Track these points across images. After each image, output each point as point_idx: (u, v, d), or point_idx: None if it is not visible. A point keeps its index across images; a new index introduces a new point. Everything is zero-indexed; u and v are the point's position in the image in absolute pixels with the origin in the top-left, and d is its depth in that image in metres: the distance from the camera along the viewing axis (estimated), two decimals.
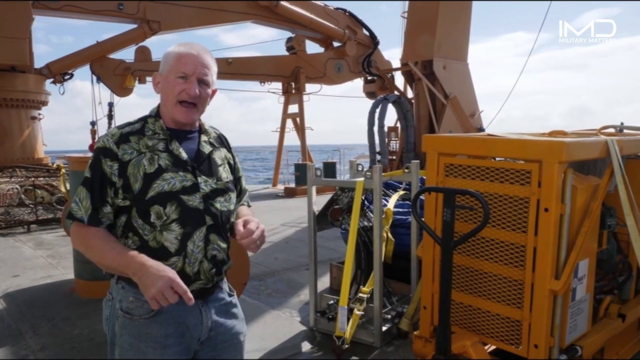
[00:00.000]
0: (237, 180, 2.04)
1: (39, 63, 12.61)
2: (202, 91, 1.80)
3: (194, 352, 1.84)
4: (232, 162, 2.01)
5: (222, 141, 2.01)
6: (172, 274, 1.59)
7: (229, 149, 2.03)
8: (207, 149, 1.89)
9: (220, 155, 1.94)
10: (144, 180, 1.73)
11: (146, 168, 1.73)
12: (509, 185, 2.56)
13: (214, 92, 1.90)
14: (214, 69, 1.86)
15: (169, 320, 1.75)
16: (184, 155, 1.81)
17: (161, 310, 1.72)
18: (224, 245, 1.86)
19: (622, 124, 3.60)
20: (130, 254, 1.64)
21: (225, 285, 1.97)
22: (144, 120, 1.85)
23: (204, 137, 1.91)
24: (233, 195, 1.94)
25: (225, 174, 1.92)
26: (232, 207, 1.92)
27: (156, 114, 1.85)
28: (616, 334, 3.01)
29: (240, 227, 1.78)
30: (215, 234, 1.82)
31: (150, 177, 1.73)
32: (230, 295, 1.96)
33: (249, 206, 2.16)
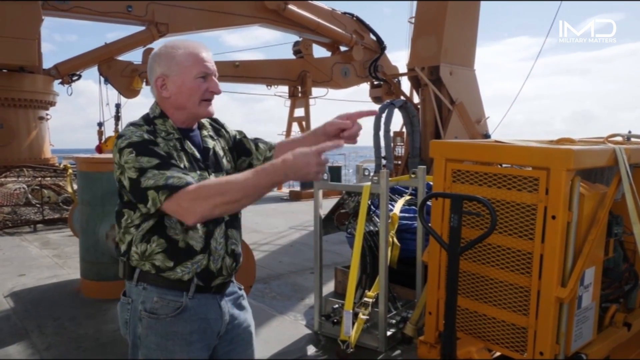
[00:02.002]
0: (242, 139, 2.04)
1: (43, 62, 12.69)
2: None
3: (213, 347, 1.86)
4: (230, 140, 2.00)
5: (217, 127, 2.00)
6: (308, 149, 1.54)
7: (225, 129, 2.02)
8: (210, 143, 1.90)
9: (220, 145, 1.95)
10: None
11: None
12: (516, 192, 2.57)
13: None
14: None
15: (193, 316, 1.77)
16: (197, 153, 1.81)
17: (186, 306, 1.75)
18: (239, 238, 1.91)
19: (629, 132, 3.60)
20: (267, 165, 1.58)
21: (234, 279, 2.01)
22: (151, 123, 1.78)
23: (204, 132, 1.91)
24: None
25: (228, 164, 1.94)
26: None
27: (161, 115, 1.80)
28: (621, 342, 3.00)
29: (342, 122, 1.85)
30: (232, 228, 1.86)
31: None
32: (239, 288, 2.01)
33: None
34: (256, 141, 2.08)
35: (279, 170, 1.55)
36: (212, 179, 1.70)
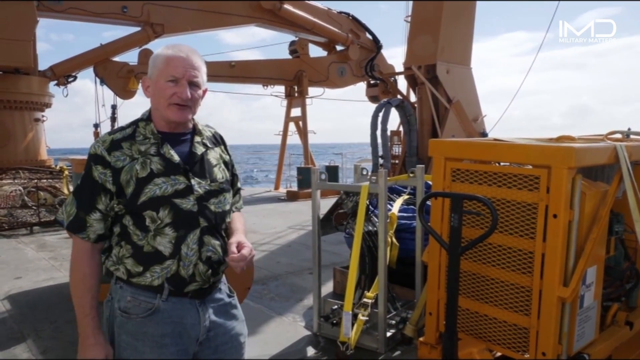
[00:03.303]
0: (232, 178, 2.04)
1: (39, 61, 12.63)
2: (193, 93, 1.82)
3: (194, 353, 1.84)
4: (227, 160, 2.01)
5: (217, 140, 2.01)
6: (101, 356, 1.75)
7: (224, 147, 2.03)
8: (200, 150, 1.89)
9: (215, 155, 1.94)
10: (137, 184, 1.73)
11: (138, 172, 1.74)
12: (516, 190, 2.54)
13: (204, 91, 1.91)
14: (203, 69, 1.87)
15: (166, 319, 1.77)
16: (176, 158, 1.81)
17: (158, 309, 1.76)
18: (219, 246, 1.87)
19: (629, 129, 3.58)
20: (89, 317, 1.76)
21: (225, 286, 1.98)
22: (135, 124, 1.84)
23: (197, 138, 1.91)
24: (228, 196, 1.95)
25: (220, 173, 1.92)
26: (227, 207, 1.93)
27: (147, 118, 1.85)
28: (623, 341, 2.98)
29: (234, 248, 1.81)
30: (209, 235, 1.83)
31: (142, 182, 1.74)
32: (229, 297, 1.97)
33: (239, 209, 2.14)
34: (236, 195, 2.11)
35: (81, 328, 1.80)
36: (89, 266, 1.80)
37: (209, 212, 1.83)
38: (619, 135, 3.45)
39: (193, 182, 1.81)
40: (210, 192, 1.86)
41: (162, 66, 1.79)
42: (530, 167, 2.58)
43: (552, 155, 2.41)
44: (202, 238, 1.80)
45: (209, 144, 1.94)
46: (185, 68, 1.78)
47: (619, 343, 2.92)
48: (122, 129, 1.83)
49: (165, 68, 1.78)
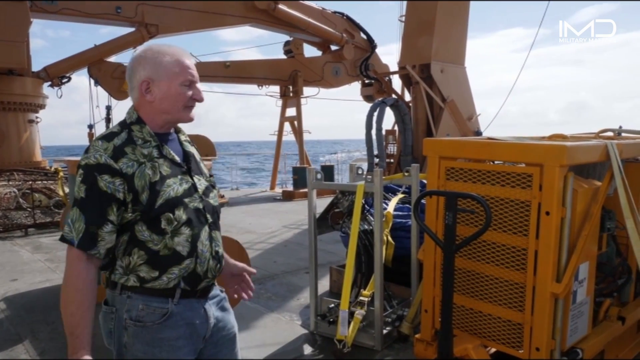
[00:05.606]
0: None
1: (35, 57, 12.59)
2: None
3: (199, 351, 1.87)
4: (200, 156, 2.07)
5: (189, 137, 2.05)
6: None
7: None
8: (189, 148, 1.94)
9: (195, 152, 1.99)
10: (151, 189, 1.70)
11: (151, 177, 1.71)
12: (510, 188, 2.58)
13: None
14: None
15: (179, 322, 1.77)
16: (177, 158, 1.83)
17: (172, 313, 1.75)
18: (221, 239, 1.92)
19: (620, 127, 3.63)
20: (83, 332, 1.63)
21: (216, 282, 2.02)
22: (127, 127, 1.78)
23: (181, 137, 1.95)
24: (216, 190, 2.00)
25: (205, 169, 1.98)
26: (218, 201, 1.98)
27: (138, 120, 1.80)
28: (616, 336, 3.02)
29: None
30: (215, 230, 1.88)
31: (155, 185, 1.72)
32: (221, 291, 2.02)
33: None
34: None
35: (71, 343, 1.63)
36: (85, 284, 1.64)
37: (210, 207, 1.87)
38: (610, 133, 3.50)
39: (195, 180, 1.85)
40: (208, 188, 1.90)
41: (177, 69, 1.77)
42: (523, 165, 2.62)
43: (544, 154, 2.45)
44: (211, 233, 1.84)
45: (190, 142, 1.99)
46: (195, 70, 1.83)
47: (612, 338, 2.97)
48: (115, 134, 1.75)
49: (181, 72, 1.78)
